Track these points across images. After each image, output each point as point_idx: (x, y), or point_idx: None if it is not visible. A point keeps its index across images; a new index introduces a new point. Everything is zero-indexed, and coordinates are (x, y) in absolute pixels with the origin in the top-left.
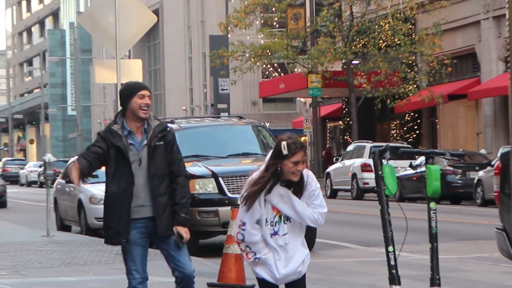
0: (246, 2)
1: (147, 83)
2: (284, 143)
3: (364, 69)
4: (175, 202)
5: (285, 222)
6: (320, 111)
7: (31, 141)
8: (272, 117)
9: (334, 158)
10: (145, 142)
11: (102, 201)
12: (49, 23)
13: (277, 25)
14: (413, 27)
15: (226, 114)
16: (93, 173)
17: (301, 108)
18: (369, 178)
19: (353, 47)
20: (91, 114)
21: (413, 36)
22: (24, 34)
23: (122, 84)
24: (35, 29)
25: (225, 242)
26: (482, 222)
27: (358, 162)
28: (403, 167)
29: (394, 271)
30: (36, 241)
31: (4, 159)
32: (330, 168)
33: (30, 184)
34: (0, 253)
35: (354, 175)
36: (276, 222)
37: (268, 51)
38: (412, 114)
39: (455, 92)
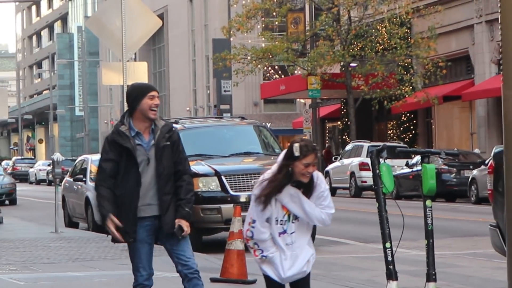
0: (248, 7)
1: (152, 85)
2: (296, 145)
3: (362, 71)
4: (180, 198)
5: (293, 221)
6: (319, 111)
7: (40, 141)
8: (273, 117)
9: (333, 157)
10: (153, 142)
11: None
12: (57, 27)
13: (277, 29)
14: (409, 31)
15: (229, 114)
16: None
17: (301, 109)
18: (367, 176)
19: (351, 50)
20: (98, 114)
21: (409, 39)
22: (34, 37)
23: (128, 86)
24: (44, 33)
25: (228, 238)
26: (476, 219)
27: (356, 161)
28: (399, 166)
29: (391, 267)
30: (44, 238)
31: (14, 158)
32: (329, 167)
33: (39, 182)
34: (10, 249)
35: (352, 174)
36: (285, 221)
37: (269, 54)
38: (408, 114)
39: (450, 93)
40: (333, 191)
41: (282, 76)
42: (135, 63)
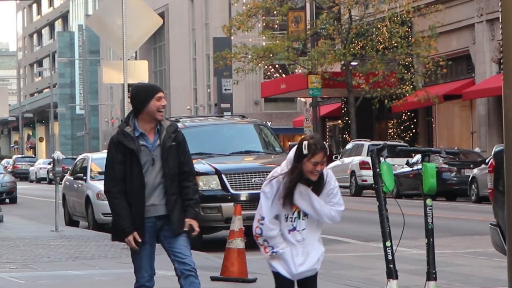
0: (248, 6)
1: (153, 83)
2: (305, 143)
3: (362, 70)
4: (189, 198)
5: (303, 218)
6: (320, 110)
7: (41, 139)
8: (274, 116)
9: (334, 156)
10: (158, 142)
11: None
12: (58, 25)
13: (278, 28)
14: (409, 30)
15: (229, 113)
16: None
17: (301, 107)
18: (367, 175)
19: (351, 49)
20: (99, 113)
21: (410, 38)
22: (35, 36)
23: (133, 87)
24: (45, 31)
25: (228, 237)
26: (477, 218)
27: (356, 160)
28: (400, 165)
29: (391, 266)
30: (45, 236)
31: (14, 157)
32: (330, 166)
33: (39, 180)
34: (10, 247)
35: (352, 173)
36: (295, 218)
37: (269, 52)
38: (408, 113)
39: (450, 92)
40: None
41: (283, 75)
42: (135, 61)
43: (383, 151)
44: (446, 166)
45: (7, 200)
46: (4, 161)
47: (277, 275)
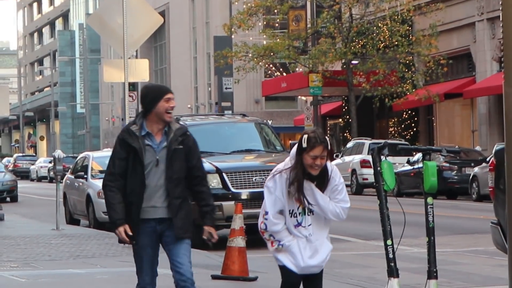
0: (249, 4)
1: (154, 82)
2: (305, 136)
3: (363, 68)
4: (206, 204)
5: (309, 214)
6: (321, 109)
7: (42, 138)
8: (274, 115)
9: (334, 155)
10: (165, 144)
11: None
12: (59, 24)
13: (279, 27)
14: (410, 28)
15: (230, 112)
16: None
17: (302, 106)
18: (368, 173)
19: (352, 48)
20: (100, 112)
21: (410, 37)
22: (35, 35)
23: (143, 87)
24: (46, 30)
25: (229, 235)
26: (478, 216)
27: (357, 158)
28: (401, 163)
29: (392, 264)
30: (46, 234)
31: (15, 155)
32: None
33: (40, 179)
34: (11, 246)
35: (353, 171)
36: (299, 214)
37: (270, 51)
38: (409, 112)
39: (451, 91)
40: None
41: (284, 73)
42: (136, 60)
43: (384, 149)
44: (447, 164)
45: (8, 199)
46: (5, 160)
47: (283, 269)
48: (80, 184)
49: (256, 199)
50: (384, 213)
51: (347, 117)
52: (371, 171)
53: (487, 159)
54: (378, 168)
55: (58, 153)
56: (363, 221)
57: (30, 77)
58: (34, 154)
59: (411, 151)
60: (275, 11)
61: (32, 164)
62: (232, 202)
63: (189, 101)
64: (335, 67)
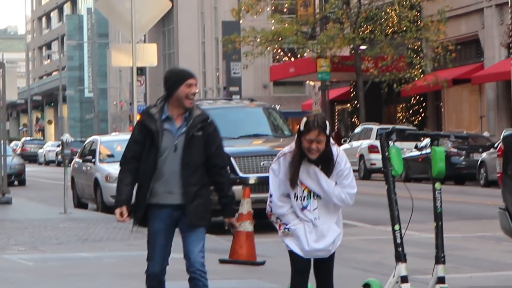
0: None
1: (162, 67)
2: (304, 120)
3: (371, 54)
4: (225, 195)
5: (315, 197)
6: (329, 94)
7: (50, 122)
8: (282, 100)
9: (342, 140)
10: (184, 129)
11: None
12: (67, 8)
13: (287, 12)
14: (418, 14)
15: (238, 97)
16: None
17: (310, 91)
18: (376, 159)
19: (360, 33)
20: (108, 96)
21: (419, 22)
22: (43, 19)
23: (167, 70)
24: (54, 14)
25: (237, 220)
26: (485, 202)
27: (365, 143)
28: (409, 149)
29: (400, 249)
30: (53, 218)
31: (23, 139)
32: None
33: (48, 163)
34: (19, 229)
35: (361, 156)
36: (304, 197)
37: (278, 36)
38: (417, 97)
39: (459, 76)
40: None
41: (292, 58)
42: (144, 44)
43: (392, 135)
44: (455, 150)
45: (16, 182)
46: (13, 144)
47: (291, 254)
48: (88, 168)
49: (264, 183)
50: (392, 198)
51: (355, 102)
52: (379, 156)
53: (495, 145)
54: (386, 153)
55: (66, 137)
56: (371, 206)
57: (38, 61)
58: (42, 138)
59: (419, 137)
60: None
61: (40, 148)
62: (240, 187)
63: (197, 86)
64: (343, 52)
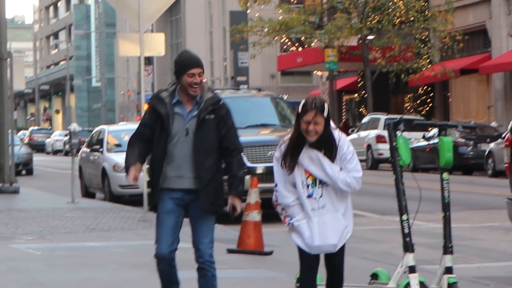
0: None
1: (170, 56)
2: (302, 101)
3: (379, 44)
4: (233, 174)
5: (320, 185)
6: (336, 84)
7: (57, 111)
8: (290, 89)
9: (350, 130)
10: (195, 113)
11: None
12: None
13: (294, 1)
14: (426, 4)
15: (246, 86)
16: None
17: (317, 81)
18: (384, 149)
19: (368, 23)
20: (115, 85)
21: (426, 12)
22: (51, 8)
23: (178, 54)
24: (61, 4)
25: (244, 209)
26: (493, 192)
27: (373, 133)
28: (416, 139)
29: (408, 239)
30: (61, 208)
31: (30, 128)
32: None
33: (55, 152)
34: (26, 218)
35: (369, 146)
36: (309, 185)
37: (286, 26)
38: (425, 87)
39: (467, 67)
40: None
41: (299, 48)
42: (152, 34)
43: (400, 125)
44: (463, 140)
45: (24, 172)
46: (20, 133)
47: (298, 248)
48: (96, 157)
49: (272, 173)
50: (399, 188)
51: (363, 92)
52: (386, 146)
53: (503, 135)
54: (394, 143)
55: (74, 126)
56: (379, 196)
57: (46, 50)
58: (49, 128)
59: (426, 127)
60: None
61: (48, 138)
62: (248, 177)
63: (205, 75)
64: (351, 42)
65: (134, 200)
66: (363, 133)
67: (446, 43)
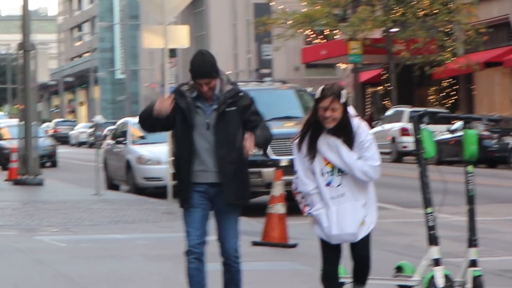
0: None
1: (193, 48)
2: (320, 88)
3: (403, 36)
4: (257, 124)
5: (338, 174)
6: (360, 76)
7: (81, 103)
8: (314, 82)
9: (374, 122)
10: (215, 107)
11: (150, 162)
12: None
13: None
14: None
15: (270, 79)
16: (152, 128)
17: (341, 73)
18: (408, 141)
19: (392, 16)
20: (139, 77)
21: (451, 5)
22: (75, 0)
23: (193, 55)
24: None
25: (269, 202)
26: None
27: (397, 126)
28: (441, 132)
29: (433, 232)
30: (86, 200)
31: (55, 120)
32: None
33: (80, 144)
34: (51, 210)
35: (393, 139)
36: (328, 173)
37: (309, 18)
38: (449, 80)
39: (491, 59)
40: None
41: (324, 40)
42: (176, 26)
43: (424, 117)
44: (487, 133)
45: (48, 164)
46: (44, 125)
47: (320, 240)
48: (120, 149)
49: None
50: (424, 181)
51: (387, 85)
52: (410, 139)
53: None
54: (418, 136)
55: (98, 118)
56: (403, 189)
57: (70, 42)
58: (73, 120)
59: (451, 120)
60: None
61: (72, 130)
62: (272, 169)
63: (229, 68)
64: (375, 35)
65: (158, 192)
66: (387, 126)
67: (470, 36)
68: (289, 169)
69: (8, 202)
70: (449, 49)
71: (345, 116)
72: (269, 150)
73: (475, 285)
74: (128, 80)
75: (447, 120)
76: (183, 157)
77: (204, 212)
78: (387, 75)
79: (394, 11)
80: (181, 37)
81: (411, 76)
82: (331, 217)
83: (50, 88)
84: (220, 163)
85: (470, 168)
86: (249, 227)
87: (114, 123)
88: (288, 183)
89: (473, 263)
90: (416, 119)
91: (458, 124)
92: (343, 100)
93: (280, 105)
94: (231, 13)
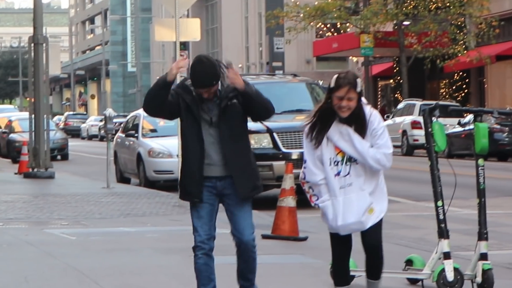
0: None
1: (205, 41)
2: (335, 76)
3: (415, 30)
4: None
5: (347, 163)
6: (372, 69)
7: (92, 96)
8: (325, 75)
9: (385, 115)
10: (217, 101)
11: (161, 155)
12: None
13: None
14: None
15: (281, 72)
16: (158, 111)
17: (353, 66)
18: (419, 135)
19: (404, 9)
20: (151, 70)
21: None
22: None
23: (193, 61)
24: None
25: (279, 195)
26: None
27: (408, 119)
28: (452, 125)
29: (443, 225)
30: (96, 193)
31: (66, 113)
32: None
33: (91, 137)
34: (61, 203)
35: (404, 132)
36: (338, 162)
37: (321, 11)
38: (461, 73)
39: (503, 53)
40: None
41: (335, 33)
42: (187, 19)
43: (435, 110)
44: (498, 126)
45: (59, 157)
46: (56, 118)
47: (330, 234)
48: (131, 142)
49: None
50: (435, 174)
51: (398, 78)
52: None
53: None
54: (429, 129)
55: (109, 111)
56: (413, 182)
57: (81, 35)
58: (85, 113)
59: (462, 113)
60: None
61: (83, 123)
62: (283, 162)
63: (240, 60)
64: (387, 28)
65: (169, 186)
66: (398, 119)
67: (482, 29)
68: (300, 162)
69: (18, 195)
70: (460, 42)
71: (359, 105)
72: (279, 143)
73: (484, 278)
74: (140, 73)
75: (458, 113)
76: (191, 151)
77: (212, 207)
78: (399, 68)
79: (406, 4)
80: (192, 30)
81: (422, 69)
82: (337, 207)
83: (62, 81)
84: (226, 156)
85: (481, 161)
86: (259, 220)
87: (125, 116)
88: (299, 176)
89: (483, 257)
90: (427, 112)
91: (469, 117)
92: (359, 89)
93: (291, 98)
94: (243, 6)
